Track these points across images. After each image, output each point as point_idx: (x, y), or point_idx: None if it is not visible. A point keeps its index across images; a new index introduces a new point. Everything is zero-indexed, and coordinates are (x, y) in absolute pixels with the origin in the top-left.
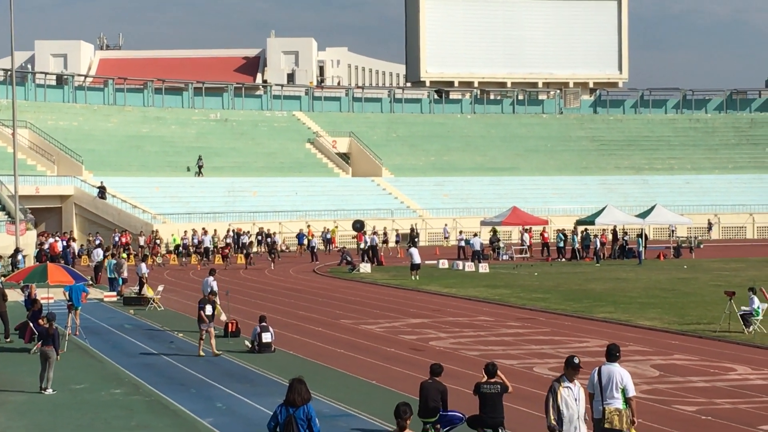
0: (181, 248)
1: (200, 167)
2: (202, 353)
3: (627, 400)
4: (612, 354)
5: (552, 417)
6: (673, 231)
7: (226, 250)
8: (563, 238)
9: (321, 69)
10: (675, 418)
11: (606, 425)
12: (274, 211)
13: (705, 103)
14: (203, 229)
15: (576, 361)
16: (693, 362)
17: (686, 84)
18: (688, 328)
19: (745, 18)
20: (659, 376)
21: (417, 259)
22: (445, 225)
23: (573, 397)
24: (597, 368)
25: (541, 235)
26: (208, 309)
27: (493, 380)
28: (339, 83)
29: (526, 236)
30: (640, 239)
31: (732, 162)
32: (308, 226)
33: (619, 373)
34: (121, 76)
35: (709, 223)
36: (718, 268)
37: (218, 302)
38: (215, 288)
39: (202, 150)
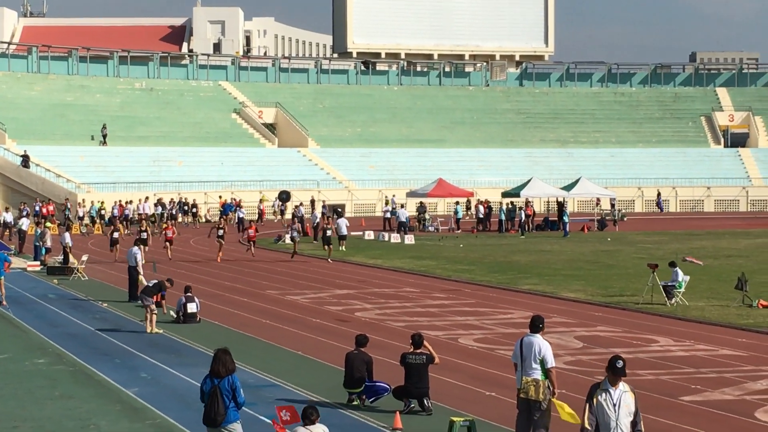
0: (111, 217)
1: (104, 136)
2: (157, 330)
3: (546, 371)
4: (535, 325)
5: (586, 422)
6: (600, 204)
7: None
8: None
9: (247, 39)
10: None
11: (521, 395)
12: (200, 181)
13: (630, 77)
14: (145, 197)
15: (619, 365)
16: (616, 334)
17: (611, 58)
18: (611, 300)
19: None
20: (583, 348)
21: (344, 230)
22: (393, 196)
23: (611, 403)
24: (520, 339)
25: (481, 205)
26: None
27: (419, 351)
28: (265, 53)
29: (481, 207)
30: (565, 211)
31: (656, 136)
32: (234, 199)
33: (539, 344)
34: (45, 44)
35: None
36: (641, 240)
37: (142, 272)
38: (139, 258)
39: (127, 119)
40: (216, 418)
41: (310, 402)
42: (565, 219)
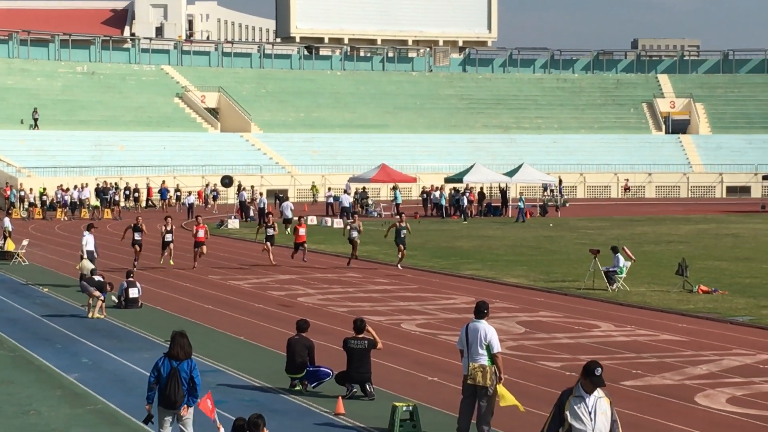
0: (55, 202)
1: (35, 120)
2: (99, 315)
3: (492, 357)
4: (479, 311)
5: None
6: (547, 189)
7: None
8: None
9: (190, 23)
10: (540, 374)
11: (469, 381)
12: (142, 165)
13: (572, 63)
14: (85, 183)
15: (598, 372)
16: (558, 319)
17: (554, 44)
18: (553, 285)
19: None
20: (525, 333)
21: (289, 214)
22: (348, 181)
23: (587, 410)
24: (465, 325)
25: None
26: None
27: (361, 336)
28: (208, 38)
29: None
30: (522, 198)
31: (598, 122)
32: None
33: (484, 330)
34: None
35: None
36: (583, 226)
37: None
38: (90, 244)
39: (68, 103)
40: (176, 400)
41: (252, 386)
42: (521, 205)
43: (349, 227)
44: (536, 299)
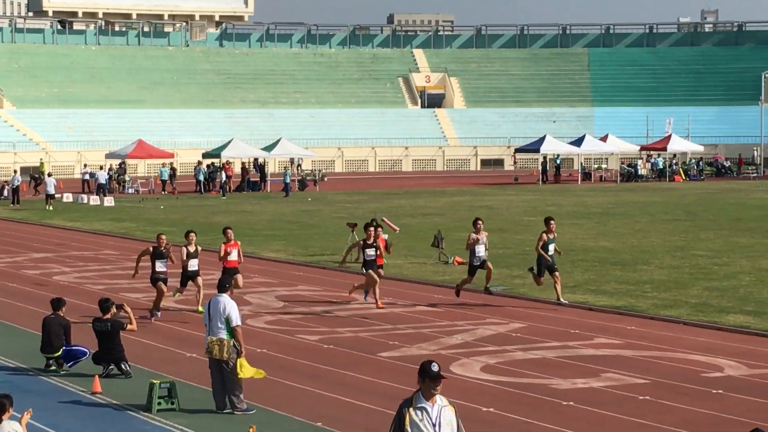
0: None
1: None
2: None
3: (232, 330)
4: (222, 285)
5: None
6: (299, 165)
7: None
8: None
9: None
10: (298, 347)
11: (206, 355)
12: None
13: (329, 38)
14: None
15: (435, 368)
16: (316, 292)
17: (311, 19)
18: (311, 259)
19: None
20: (283, 307)
21: (51, 189)
22: (105, 157)
23: (430, 422)
24: (209, 300)
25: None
26: None
27: (105, 317)
28: None
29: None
30: (287, 172)
31: (355, 96)
32: None
33: (224, 303)
34: None
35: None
36: (342, 200)
37: None
38: None
39: None
40: None
41: (6, 367)
42: (286, 179)
43: None
44: (295, 273)
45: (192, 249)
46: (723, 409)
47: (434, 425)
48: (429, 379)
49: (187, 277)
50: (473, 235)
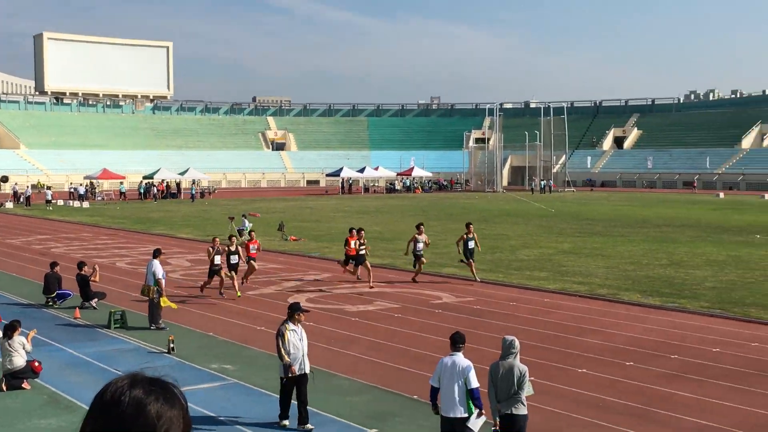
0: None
1: None
2: None
3: (156, 281)
4: (154, 253)
5: (285, 357)
6: (200, 183)
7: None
8: None
9: None
10: (186, 285)
11: (142, 294)
12: None
13: (218, 109)
14: None
15: (300, 305)
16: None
17: (208, 98)
18: (206, 238)
19: None
20: (190, 266)
21: (50, 197)
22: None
23: (298, 338)
24: (148, 262)
25: None
26: None
27: (82, 272)
28: None
29: None
30: (193, 187)
31: (233, 144)
32: None
33: (153, 265)
34: None
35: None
36: (225, 204)
37: None
38: None
39: None
40: None
41: (20, 303)
42: (193, 191)
43: None
44: (198, 246)
45: (233, 248)
46: (442, 320)
47: (300, 339)
48: (296, 312)
49: (229, 268)
50: (416, 236)
